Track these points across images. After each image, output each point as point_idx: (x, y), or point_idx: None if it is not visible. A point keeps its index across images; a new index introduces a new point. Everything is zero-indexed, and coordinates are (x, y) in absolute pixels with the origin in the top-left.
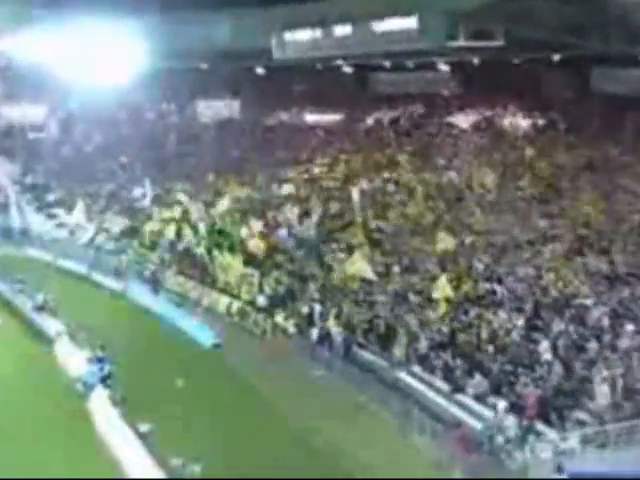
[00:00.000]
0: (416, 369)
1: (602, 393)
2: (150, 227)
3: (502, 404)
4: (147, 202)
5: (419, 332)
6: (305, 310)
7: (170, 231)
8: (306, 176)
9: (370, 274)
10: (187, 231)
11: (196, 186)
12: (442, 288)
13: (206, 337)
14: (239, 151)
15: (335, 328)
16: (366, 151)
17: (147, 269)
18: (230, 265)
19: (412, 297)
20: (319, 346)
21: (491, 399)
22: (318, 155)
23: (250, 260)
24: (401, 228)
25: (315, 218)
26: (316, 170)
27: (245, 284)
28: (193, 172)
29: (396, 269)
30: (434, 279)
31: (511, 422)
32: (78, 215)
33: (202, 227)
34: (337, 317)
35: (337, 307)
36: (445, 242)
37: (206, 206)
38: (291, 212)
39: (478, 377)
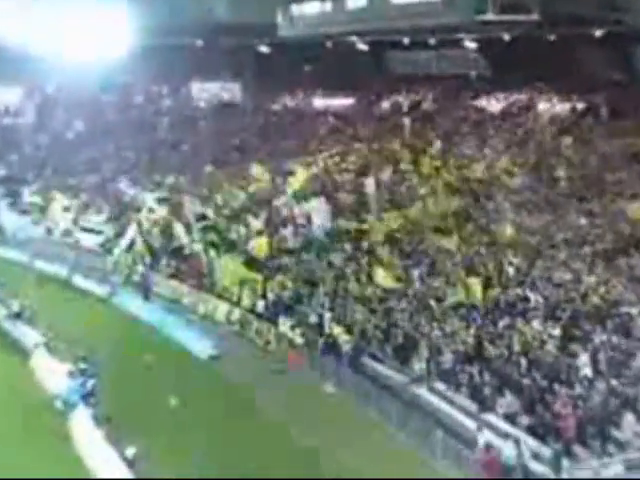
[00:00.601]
0: (438, 385)
1: None
2: (139, 224)
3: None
4: (135, 196)
5: (442, 343)
6: (313, 318)
7: (159, 230)
8: (315, 168)
9: (393, 284)
10: (179, 229)
11: (191, 179)
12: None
13: (203, 349)
14: (240, 139)
15: (343, 336)
16: (382, 139)
17: (136, 272)
18: (229, 267)
19: (434, 303)
20: (325, 357)
21: (523, 419)
22: (328, 144)
23: (252, 262)
24: (422, 226)
25: (325, 215)
26: (326, 161)
27: (246, 289)
28: (187, 163)
29: (416, 272)
30: (461, 284)
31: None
32: (57, 211)
33: (196, 225)
34: (347, 325)
35: (348, 314)
36: (471, 241)
37: (202, 201)
38: (298, 208)
39: (509, 395)
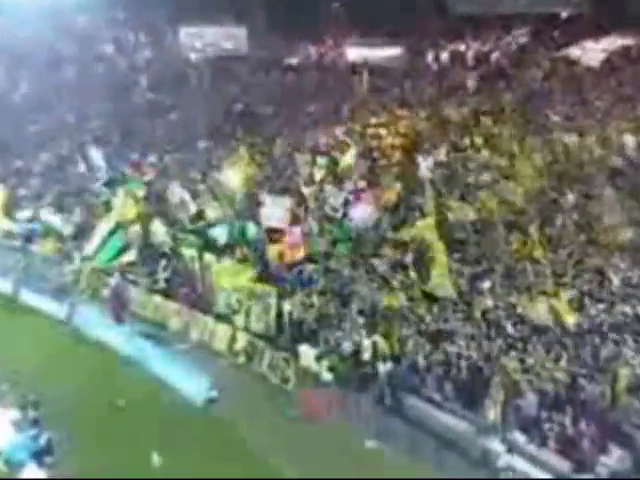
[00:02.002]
0: (518, 438)
1: None
2: (108, 223)
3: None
4: (102, 182)
5: (522, 380)
6: (347, 346)
7: (136, 227)
8: (348, 141)
9: (452, 292)
10: (159, 229)
11: (180, 159)
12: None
13: (196, 389)
14: (245, 104)
15: (386, 370)
16: (439, 104)
17: (105, 285)
18: (231, 278)
19: (510, 326)
20: (363, 398)
21: None
22: (365, 110)
23: (263, 271)
24: (494, 221)
25: (367, 207)
26: (364, 134)
27: (256, 307)
28: (175, 137)
29: (486, 284)
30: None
31: None
32: None
33: (187, 221)
34: (393, 356)
35: (393, 340)
36: (562, 241)
37: (194, 191)
38: (333, 198)
39: (615, 449)
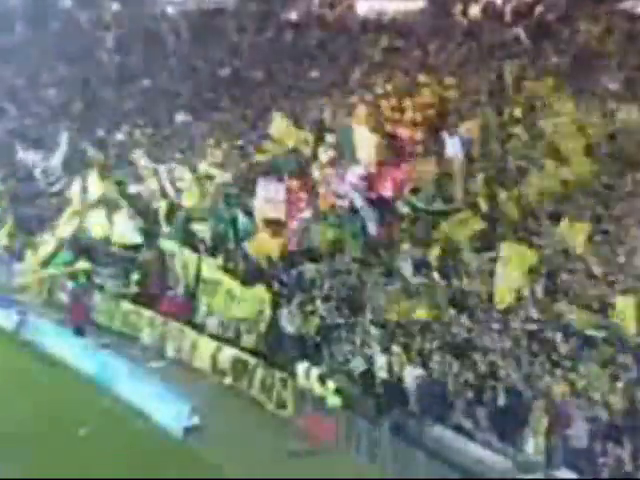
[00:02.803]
0: (564, 475)
1: None
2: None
3: None
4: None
5: (570, 406)
6: (357, 363)
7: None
8: (360, 113)
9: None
10: (127, 222)
11: (153, 134)
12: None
13: (173, 416)
14: (233, 69)
15: (406, 391)
16: (469, 68)
17: (62, 288)
18: (214, 279)
19: (559, 339)
20: (378, 427)
21: None
22: (380, 77)
23: (256, 270)
24: (540, 211)
25: (386, 195)
26: (378, 105)
27: (247, 317)
28: (148, 108)
29: (527, 290)
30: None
31: None
32: None
33: (164, 210)
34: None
35: (414, 355)
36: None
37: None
38: (341, 183)
39: None
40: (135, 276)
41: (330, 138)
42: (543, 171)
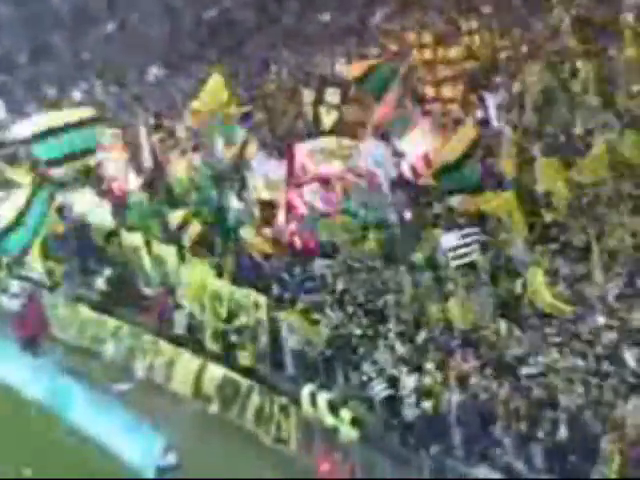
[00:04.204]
0: None
1: None
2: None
3: None
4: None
5: None
6: (379, 387)
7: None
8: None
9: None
10: (86, 198)
11: (120, 92)
12: None
13: (144, 452)
14: (221, 10)
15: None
16: (520, 10)
17: (8, 294)
18: (198, 281)
19: (631, 357)
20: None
21: None
22: (407, 20)
23: (251, 268)
24: (606, 192)
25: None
26: (404, 56)
27: (238, 327)
28: (113, 60)
29: (594, 291)
30: None
31: None
32: None
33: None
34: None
35: (450, 374)
36: None
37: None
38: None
39: None
40: (104, 274)
41: (331, 95)
42: (621, 141)
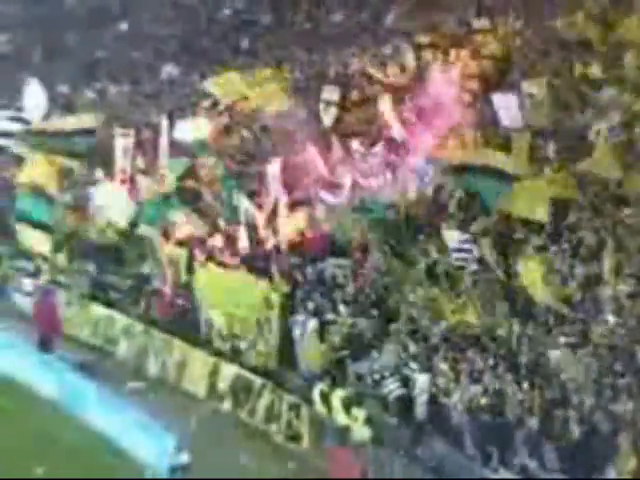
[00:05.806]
0: None
1: None
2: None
3: None
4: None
5: None
6: (392, 385)
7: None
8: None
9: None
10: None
11: (133, 90)
12: None
13: (157, 451)
14: (235, 10)
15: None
16: (541, 9)
17: (21, 292)
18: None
19: None
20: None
21: None
22: (422, 19)
23: (261, 266)
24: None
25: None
26: (419, 56)
27: (249, 321)
28: (125, 57)
29: (608, 291)
30: None
31: None
32: None
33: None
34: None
35: (464, 375)
36: None
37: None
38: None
39: None
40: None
41: (329, 93)
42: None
